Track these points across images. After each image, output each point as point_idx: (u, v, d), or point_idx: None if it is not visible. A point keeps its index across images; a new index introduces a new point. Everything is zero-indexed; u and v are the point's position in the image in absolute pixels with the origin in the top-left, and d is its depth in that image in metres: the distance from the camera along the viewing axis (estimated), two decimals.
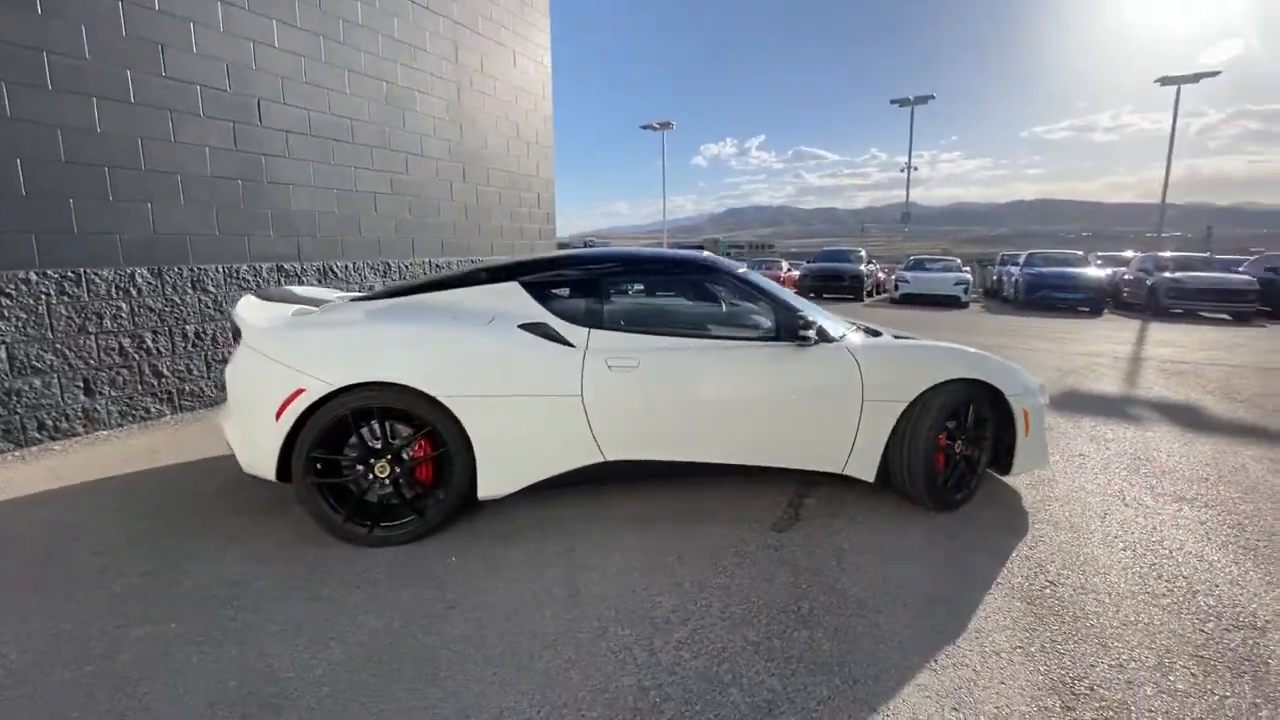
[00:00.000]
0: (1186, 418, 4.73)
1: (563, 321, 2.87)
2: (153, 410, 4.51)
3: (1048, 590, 2.31)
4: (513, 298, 2.95)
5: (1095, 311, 13.81)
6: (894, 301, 16.90)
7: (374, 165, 6.07)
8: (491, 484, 2.73)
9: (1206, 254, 16.10)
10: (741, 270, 3.22)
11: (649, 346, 2.85)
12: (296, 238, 5.40)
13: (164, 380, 4.57)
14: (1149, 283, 13.72)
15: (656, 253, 3.50)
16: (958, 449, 3.01)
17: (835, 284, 18.07)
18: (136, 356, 4.40)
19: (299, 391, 2.53)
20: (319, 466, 2.62)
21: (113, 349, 4.26)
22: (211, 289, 4.79)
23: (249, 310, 2.90)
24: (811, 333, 2.88)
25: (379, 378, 2.57)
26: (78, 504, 3.07)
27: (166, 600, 2.22)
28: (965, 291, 16.22)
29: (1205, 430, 4.42)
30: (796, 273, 21.38)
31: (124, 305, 4.30)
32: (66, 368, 4.04)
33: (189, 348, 4.69)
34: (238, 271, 4.96)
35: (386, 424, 2.65)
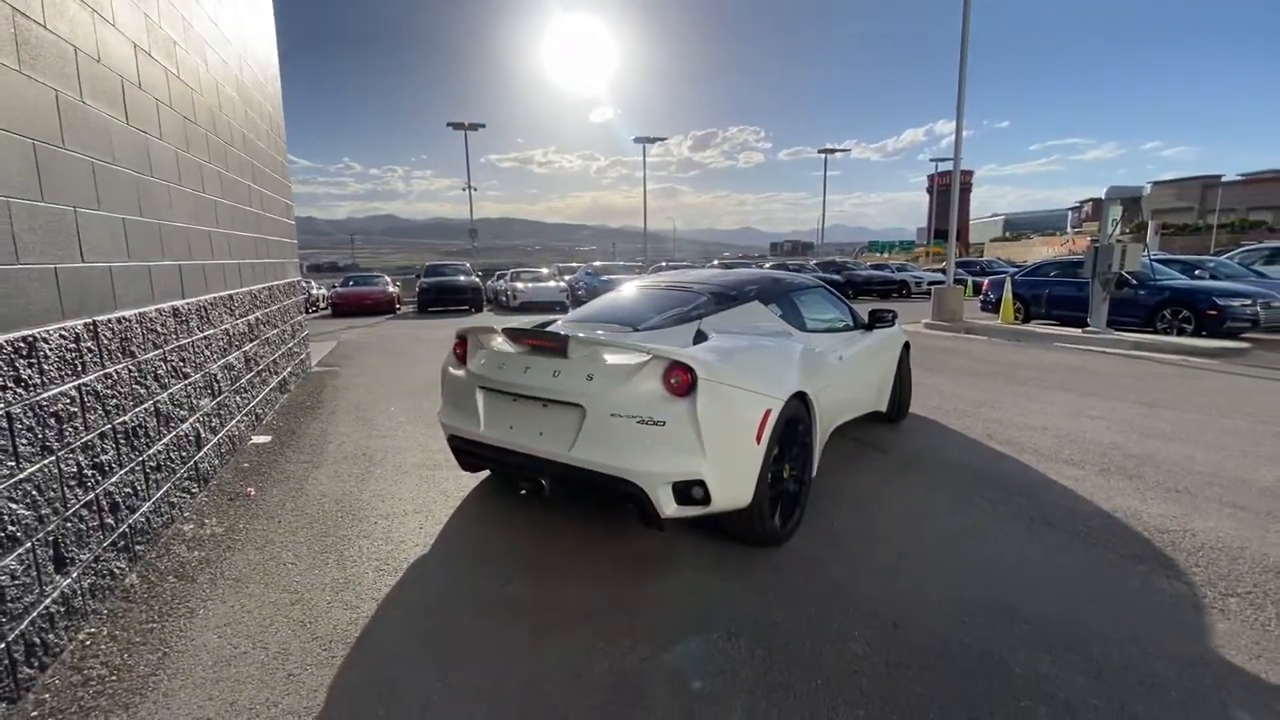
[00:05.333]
0: None
1: (793, 329, 3.58)
2: None
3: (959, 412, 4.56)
4: (762, 314, 3.53)
5: None
6: (511, 310, 18.55)
7: (189, 146, 3.92)
8: (816, 465, 3.22)
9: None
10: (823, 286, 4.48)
11: (834, 342, 3.82)
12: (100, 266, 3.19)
13: None
14: None
15: (805, 275, 4.52)
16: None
17: (456, 296, 18.70)
18: None
19: (768, 412, 2.63)
20: (769, 479, 2.70)
21: None
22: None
23: (692, 349, 2.69)
24: (882, 321, 4.36)
25: (799, 388, 2.86)
26: None
27: None
28: (568, 298, 19.27)
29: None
30: (395, 289, 20.52)
31: None
32: None
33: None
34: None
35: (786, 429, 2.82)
